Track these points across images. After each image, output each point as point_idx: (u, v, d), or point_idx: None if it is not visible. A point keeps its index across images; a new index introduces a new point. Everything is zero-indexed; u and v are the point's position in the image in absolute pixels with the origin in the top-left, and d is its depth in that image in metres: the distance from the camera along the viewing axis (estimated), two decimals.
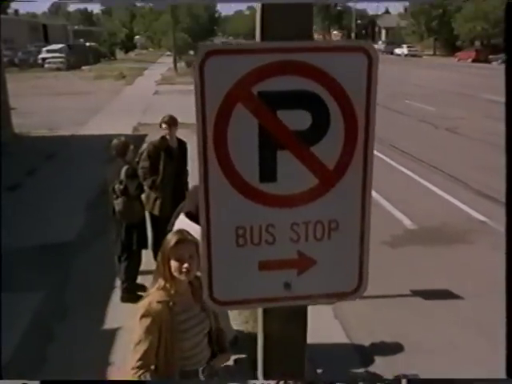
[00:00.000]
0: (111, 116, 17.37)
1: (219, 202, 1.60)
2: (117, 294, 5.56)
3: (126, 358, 4.44)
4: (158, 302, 2.56)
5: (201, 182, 1.58)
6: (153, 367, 2.57)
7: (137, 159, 5.72)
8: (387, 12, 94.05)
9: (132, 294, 5.43)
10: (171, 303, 2.58)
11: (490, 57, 48.03)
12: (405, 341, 4.88)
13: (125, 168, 5.25)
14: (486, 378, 2.47)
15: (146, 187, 5.73)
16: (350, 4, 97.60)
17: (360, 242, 1.73)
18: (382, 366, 4.56)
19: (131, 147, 5.41)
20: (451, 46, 60.00)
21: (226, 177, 1.58)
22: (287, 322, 1.87)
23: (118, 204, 5.28)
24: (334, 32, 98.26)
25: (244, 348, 4.60)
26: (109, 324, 5.05)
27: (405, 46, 62.16)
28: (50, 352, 4.62)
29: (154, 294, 2.60)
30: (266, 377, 1.95)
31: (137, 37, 74.21)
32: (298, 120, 1.56)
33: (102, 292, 5.66)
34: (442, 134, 14.87)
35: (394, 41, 69.58)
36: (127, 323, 4.98)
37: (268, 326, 1.87)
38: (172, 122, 5.81)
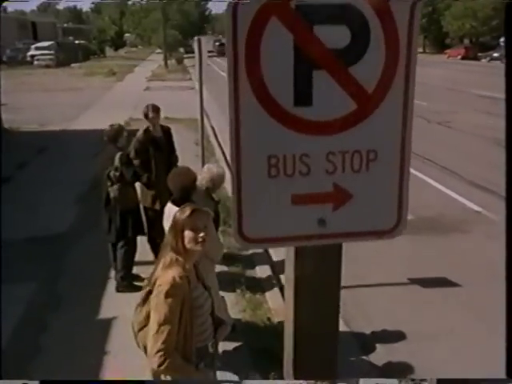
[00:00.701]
0: (102, 111, 17.19)
1: (250, 128, 1.47)
2: (112, 284, 5.47)
3: (122, 347, 4.40)
4: (180, 277, 2.45)
5: (231, 105, 1.44)
6: None
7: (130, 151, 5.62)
8: None
9: (127, 283, 5.35)
10: (189, 278, 2.51)
11: (479, 54, 48.26)
12: (405, 328, 4.83)
13: (119, 154, 5.16)
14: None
15: (141, 184, 5.68)
16: None
17: (400, 175, 1.60)
18: (382, 353, 4.51)
19: (125, 133, 5.32)
20: (440, 44, 60.17)
21: (258, 100, 1.45)
22: (320, 264, 1.74)
23: (114, 191, 5.18)
24: None
25: (242, 336, 4.54)
26: (104, 314, 4.96)
27: None
28: (43, 342, 4.53)
29: (172, 270, 2.47)
30: (298, 333, 1.85)
31: (126, 35, 73.73)
32: (336, 37, 1.43)
33: (96, 283, 5.57)
34: (434, 128, 14.88)
35: None
36: (123, 312, 4.93)
37: (300, 269, 1.74)
38: (157, 110, 5.76)
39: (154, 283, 2.52)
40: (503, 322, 4.93)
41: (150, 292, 2.67)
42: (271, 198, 1.54)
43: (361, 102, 1.50)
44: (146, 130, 5.72)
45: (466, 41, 58.28)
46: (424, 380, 2.59)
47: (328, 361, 1.96)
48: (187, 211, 2.50)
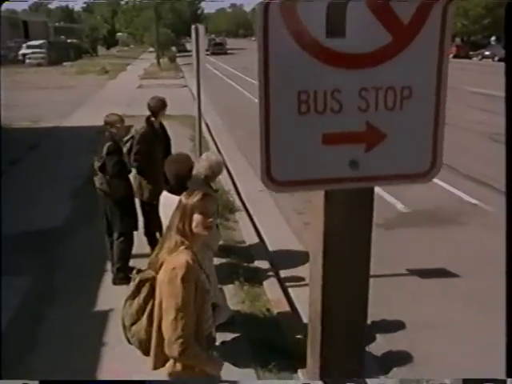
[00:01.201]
0: (95, 108, 17.05)
1: (280, 61, 1.40)
2: (108, 277, 5.41)
3: (120, 339, 4.33)
4: (193, 260, 2.40)
5: (260, 36, 1.36)
6: None
7: (127, 143, 5.56)
8: None
9: (124, 276, 5.28)
10: (199, 262, 2.47)
11: (471, 53, 48.44)
12: (404, 318, 4.81)
13: (107, 144, 5.09)
14: None
15: (135, 173, 5.62)
16: None
17: (435, 115, 1.52)
18: (382, 343, 4.48)
19: (123, 124, 5.24)
20: None
21: (289, 29, 1.37)
22: (351, 211, 1.66)
23: (97, 181, 5.14)
24: None
25: (241, 327, 4.50)
26: (101, 306, 4.90)
27: None
28: (40, 333, 4.47)
29: (184, 253, 2.41)
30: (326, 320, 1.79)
31: (119, 34, 73.41)
32: None
33: (92, 276, 5.50)
34: None
35: None
36: (120, 305, 4.87)
37: (330, 217, 1.66)
38: (164, 103, 5.73)
39: (160, 267, 2.45)
40: (502, 312, 4.92)
41: (140, 283, 2.59)
42: (301, 138, 1.46)
43: (396, 33, 1.42)
44: (150, 122, 5.66)
45: (458, 40, 58.42)
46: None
47: (356, 352, 1.91)
48: (198, 195, 2.45)
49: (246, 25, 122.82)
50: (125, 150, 5.50)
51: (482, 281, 5.50)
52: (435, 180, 7.67)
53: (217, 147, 11.68)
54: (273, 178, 1.49)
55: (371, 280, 5.49)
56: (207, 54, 47.08)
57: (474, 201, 8.03)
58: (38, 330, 4.52)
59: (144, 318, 2.58)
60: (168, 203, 3.69)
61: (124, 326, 2.64)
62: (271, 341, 4.28)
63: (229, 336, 4.34)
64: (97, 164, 5.11)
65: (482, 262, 5.91)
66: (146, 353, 2.69)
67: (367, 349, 4.40)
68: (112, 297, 5.04)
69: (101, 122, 5.40)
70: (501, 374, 2.31)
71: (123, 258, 5.30)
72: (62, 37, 58.91)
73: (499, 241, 6.64)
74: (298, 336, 4.42)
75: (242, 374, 3.85)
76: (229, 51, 58.69)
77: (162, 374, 3.82)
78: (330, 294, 1.78)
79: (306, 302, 5.18)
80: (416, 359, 4.25)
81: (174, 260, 2.38)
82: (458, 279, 5.54)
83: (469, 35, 57.51)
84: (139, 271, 2.67)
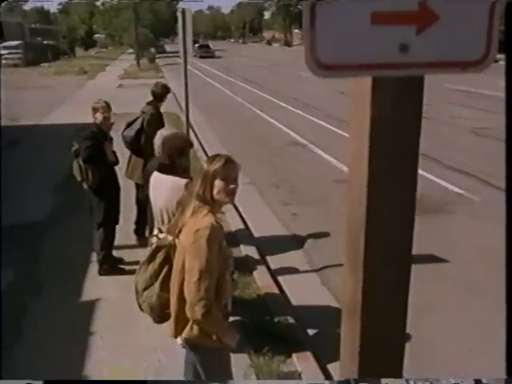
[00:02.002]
0: (75, 107, 16.82)
1: None
2: (94, 268, 5.27)
3: (108, 328, 4.23)
4: (217, 222, 2.37)
5: None
6: None
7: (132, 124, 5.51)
8: None
9: (109, 266, 5.16)
10: (222, 226, 2.44)
11: None
12: None
13: (89, 130, 4.96)
14: None
15: (133, 156, 5.56)
16: None
17: (491, 4, 1.40)
18: None
19: (110, 111, 5.09)
20: None
21: None
22: (399, 103, 1.56)
23: (73, 167, 4.98)
24: (295, 30, 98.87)
25: (232, 313, 4.41)
26: (87, 296, 4.77)
27: None
28: (25, 325, 4.32)
29: (208, 216, 2.36)
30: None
31: (96, 35, 72.67)
32: None
33: (77, 267, 5.36)
34: None
35: None
36: (107, 294, 4.75)
37: (378, 109, 1.54)
38: (167, 88, 5.85)
39: (180, 232, 2.42)
40: (494, 294, 4.92)
41: (157, 249, 2.60)
42: (349, 17, 1.36)
43: None
44: (156, 105, 5.67)
45: None
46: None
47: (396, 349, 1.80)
48: (221, 160, 2.39)
49: (224, 27, 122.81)
50: (132, 132, 5.38)
51: (472, 266, 5.51)
52: (420, 171, 7.63)
53: (200, 143, 11.57)
54: (319, 62, 1.39)
55: None
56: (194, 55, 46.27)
57: (459, 190, 8.05)
58: (22, 322, 4.37)
59: (157, 284, 2.58)
60: (159, 185, 3.59)
61: (137, 291, 2.63)
62: (263, 326, 4.21)
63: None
64: (73, 148, 4.96)
65: (471, 248, 5.92)
66: (156, 319, 2.73)
67: None
68: (98, 287, 4.93)
69: (81, 120, 5.28)
70: (501, 373, 2.27)
71: (105, 248, 5.15)
72: (39, 38, 58.14)
73: (486, 228, 6.74)
74: (290, 321, 4.36)
75: (234, 359, 3.76)
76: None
77: (172, 372, 3.72)
78: (371, 275, 1.68)
79: (297, 289, 5.20)
80: (413, 340, 4.21)
81: (199, 222, 2.34)
82: (448, 264, 5.53)
83: None
84: (157, 237, 2.69)
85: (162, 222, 3.59)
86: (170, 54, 52.06)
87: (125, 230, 5.55)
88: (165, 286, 2.55)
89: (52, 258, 5.60)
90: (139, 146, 5.42)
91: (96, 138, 4.94)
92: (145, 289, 2.56)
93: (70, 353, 3.85)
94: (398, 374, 1.83)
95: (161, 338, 4.05)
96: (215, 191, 2.37)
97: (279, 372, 3.68)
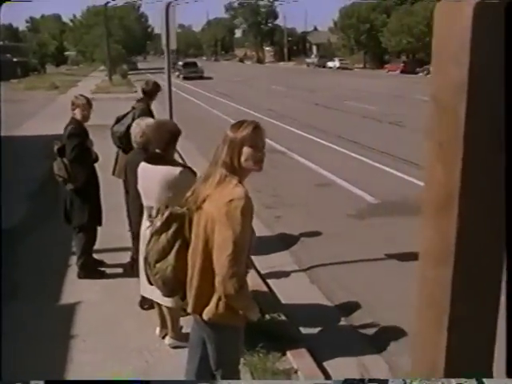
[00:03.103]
0: (47, 119, 16.48)
1: None
2: (73, 271, 5.02)
3: (91, 330, 3.99)
4: (247, 193, 2.23)
5: None
6: None
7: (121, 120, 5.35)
8: (316, 29, 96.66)
9: (89, 269, 4.92)
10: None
11: (417, 69, 50.14)
12: (387, 299, 4.65)
13: (70, 127, 4.75)
14: None
15: (121, 152, 5.37)
16: (280, 23, 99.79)
17: None
18: (368, 324, 4.29)
19: (91, 108, 4.89)
20: (380, 60, 62.17)
21: None
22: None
23: (55, 166, 4.72)
24: (267, 48, 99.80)
25: None
26: (66, 300, 4.52)
27: (337, 59, 63.78)
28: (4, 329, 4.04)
29: (239, 187, 2.22)
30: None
31: (67, 52, 71.99)
32: None
33: (55, 271, 5.10)
34: (386, 127, 15.14)
35: (325, 54, 71.20)
36: (87, 297, 4.51)
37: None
38: (158, 85, 5.76)
39: (203, 202, 2.28)
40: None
41: (170, 218, 2.42)
42: None
43: None
44: (147, 101, 5.55)
45: (404, 57, 60.39)
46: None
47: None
48: (249, 126, 2.25)
49: (196, 44, 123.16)
50: (123, 128, 5.19)
51: None
52: (399, 174, 7.73)
53: (178, 152, 11.37)
54: None
55: (351, 265, 5.39)
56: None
57: None
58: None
59: (172, 255, 2.41)
60: (150, 176, 3.41)
61: (147, 263, 2.45)
62: (255, 324, 4.01)
63: None
64: (56, 147, 4.74)
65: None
66: (168, 293, 2.56)
67: (355, 329, 4.22)
68: (78, 290, 4.69)
69: (55, 132, 5.07)
70: (501, 373, 2.16)
71: (85, 252, 4.91)
72: (8, 55, 57.21)
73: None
74: (282, 319, 4.20)
75: None
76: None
77: (161, 373, 3.49)
78: (462, 265, 1.49)
79: (287, 288, 5.03)
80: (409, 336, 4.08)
81: (231, 192, 2.20)
82: None
83: (414, 53, 59.57)
84: (167, 207, 2.53)
85: (156, 215, 3.41)
86: (143, 71, 51.85)
87: (103, 233, 5.31)
88: (180, 258, 2.40)
89: (29, 262, 5.32)
90: (129, 142, 5.24)
91: (80, 136, 4.74)
92: (157, 261, 2.39)
93: (52, 356, 3.60)
94: (489, 373, 1.65)
95: (147, 338, 3.87)
96: (243, 159, 2.24)
97: (274, 369, 3.50)
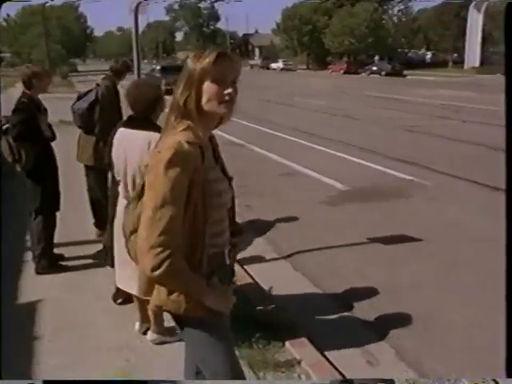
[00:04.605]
0: None
1: None
2: (30, 267, 4.44)
3: (56, 330, 3.47)
4: (189, 142, 1.65)
5: None
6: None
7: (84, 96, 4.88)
8: (257, 32, 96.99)
9: (48, 263, 4.35)
10: (202, 148, 1.70)
11: (360, 70, 51.12)
12: (376, 283, 4.36)
13: (16, 101, 4.18)
14: None
15: (84, 133, 4.95)
16: (222, 26, 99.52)
17: None
18: (364, 309, 3.98)
19: (49, 79, 4.34)
20: (323, 61, 62.92)
21: None
22: None
23: (2, 145, 4.17)
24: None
25: None
26: (26, 297, 3.96)
27: (280, 60, 64.02)
28: None
29: (179, 134, 1.67)
30: None
31: (1, 54, 68.57)
32: None
33: (8, 268, 4.50)
34: (340, 120, 15.10)
35: (269, 56, 71.39)
36: (49, 294, 3.97)
37: None
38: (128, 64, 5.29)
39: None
40: (476, 267, 4.66)
41: None
42: None
43: None
44: (113, 79, 5.05)
45: (345, 58, 61.43)
46: None
47: None
48: (212, 55, 1.68)
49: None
50: (85, 104, 4.71)
51: (443, 243, 5.26)
52: (366, 163, 7.53)
53: None
54: None
55: (335, 250, 5.08)
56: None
57: (408, 177, 7.92)
58: None
59: None
60: (130, 143, 2.93)
61: (124, 235, 1.87)
62: (247, 315, 3.62)
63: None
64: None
65: (435, 228, 5.70)
66: None
67: (349, 315, 3.90)
68: (38, 287, 4.13)
69: None
70: (501, 373, 2.10)
71: (43, 241, 4.33)
72: None
73: (444, 208, 6.61)
74: (274, 309, 3.82)
75: None
76: None
77: (146, 373, 3.05)
78: None
79: (272, 278, 4.62)
80: (401, 320, 3.80)
81: (165, 142, 1.67)
82: (421, 243, 5.22)
83: (355, 53, 60.75)
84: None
85: (133, 186, 2.95)
86: (83, 73, 50.18)
87: (63, 225, 4.75)
88: None
89: None
90: (92, 120, 4.75)
91: (27, 111, 4.15)
92: (132, 232, 1.82)
93: (15, 360, 3.05)
94: None
95: (125, 335, 3.40)
96: (204, 99, 1.68)
97: (276, 362, 3.11)
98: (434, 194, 7.10)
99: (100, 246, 4.42)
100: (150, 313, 3.26)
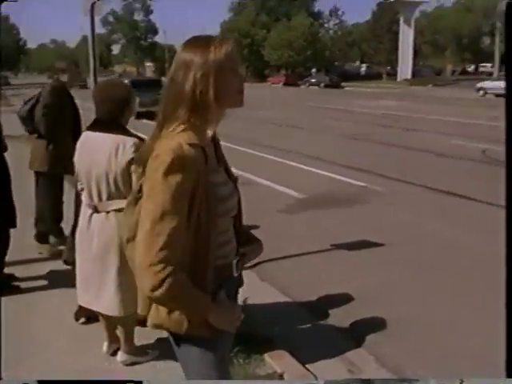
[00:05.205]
0: None
1: None
2: None
3: (11, 357, 3.16)
4: (191, 144, 1.48)
5: None
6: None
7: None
8: None
9: (1, 283, 4.00)
10: (206, 150, 1.53)
11: (299, 82, 52.05)
12: (346, 290, 4.29)
13: None
14: None
15: (36, 138, 4.69)
16: (160, 39, 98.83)
17: None
18: (338, 317, 3.89)
19: None
20: (261, 73, 63.66)
21: None
22: None
23: None
24: (148, 64, 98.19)
25: None
26: None
27: None
28: None
29: (179, 135, 1.49)
30: None
31: None
32: None
33: None
34: (286, 130, 15.22)
35: None
36: (3, 316, 3.62)
37: None
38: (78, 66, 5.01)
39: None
40: (439, 272, 4.69)
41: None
42: None
43: None
44: (60, 81, 4.78)
45: (283, 71, 62.45)
46: None
47: None
48: (229, 43, 1.54)
49: (73, 60, 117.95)
50: (27, 107, 4.54)
51: (405, 247, 5.28)
52: (317, 170, 7.56)
53: None
54: None
55: (299, 258, 4.99)
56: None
57: (362, 184, 7.99)
58: None
59: None
60: (96, 147, 2.70)
61: (123, 242, 1.68)
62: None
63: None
64: None
65: (395, 232, 5.73)
66: None
67: (324, 323, 3.80)
68: None
69: None
70: (501, 373, 2.01)
71: None
72: None
73: (400, 213, 6.70)
74: (247, 321, 3.65)
75: None
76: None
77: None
78: None
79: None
80: (384, 323, 3.75)
81: (163, 144, 1.49)
82: (384, 247, 5.22)
83: (294, 66, 61.88)
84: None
85: (99, 196, 2.73)
86: (15, 87, 48.38)
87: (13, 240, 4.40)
88: None
89: None
90: (33, 119, 4.53)
91: None
92: (129, 239, 1.63)
93: None
94: None
95: (92, 358, 3.13)
96: (223, 89, 1.52)
97: (257, 376, 2.95)
98: (388, 199, 7.18)
99: (49, 264, 4.15)
100: (120, 331, 3.03)
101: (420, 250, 5.22)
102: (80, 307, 3.28)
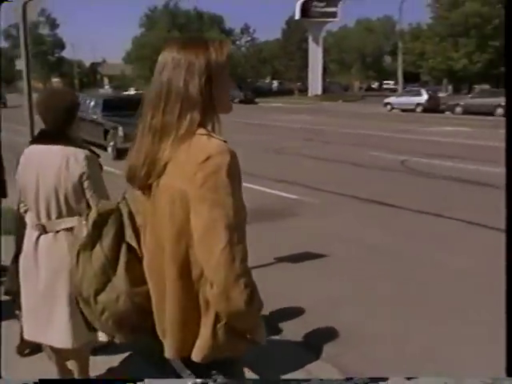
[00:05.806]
0: None
1: None
2: None
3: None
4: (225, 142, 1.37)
5: None
6: None
7: None
8: (104, 61, 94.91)
9: None
10: None
11: (256, 100, 51.47)
12: (297, 303, 4.26)
13: None
14: None
15: None
16: (68, 54, 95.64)
17: None
18: (289, 331, 3.83)
19: None
20: None
21: None
22: None
23: None
24: (55, 79, 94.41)
25: None
26: None
27: (132, 89, 62.91)
28: None
29: (214, 138, 1.36)
30: None
31: None
32: None
33: None
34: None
35: (120, 85, 69.92)
36: None
37: None
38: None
39: (163, 171, 1.38)
40: (384, 280, 4.77)
41: (99, 220, 1.51)
42: None
43: None
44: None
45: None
46: None
47: None
48: (227, 44, 1.45)
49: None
50: None
51: (348, 257, 5.35)
52: (250, 185, 7.51)
53: None
54: None
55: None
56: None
57: (293, 196, 8.06)
58: None
59: (120, 275, 1.47)
60: (43, 161, 2.45)
61: (83, 300, 1.47)
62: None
63: None
64: None
65: (333, 243, 5.79)
66: (128, 336, 1.56)
67: (285, 338, 3.72)
68: None
69: None
70: (501, 373, 2.10)
71: None
72: None
73: (334, 223, 6.78)
74: None
75: None
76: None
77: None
78: None
79: None
80: (337, 332, 3.74)
81: (207, 146, 1.33)
82: (327, 258, 5.25)
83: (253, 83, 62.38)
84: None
85: (48, 215, 2.48)
86: None
87: None
88: (134, 276, 1.49)
89: None
90: None
91: None
92: (97, 291, 1.46)
93: None
94: None
95: None
96: (222, 93, 1.43)
97: None
98: (321, 210, 7.27)
99: None
100: (72, 364, 2.77)
101: (362, 259, 5.30)
102: (22, 339, 2.98)
